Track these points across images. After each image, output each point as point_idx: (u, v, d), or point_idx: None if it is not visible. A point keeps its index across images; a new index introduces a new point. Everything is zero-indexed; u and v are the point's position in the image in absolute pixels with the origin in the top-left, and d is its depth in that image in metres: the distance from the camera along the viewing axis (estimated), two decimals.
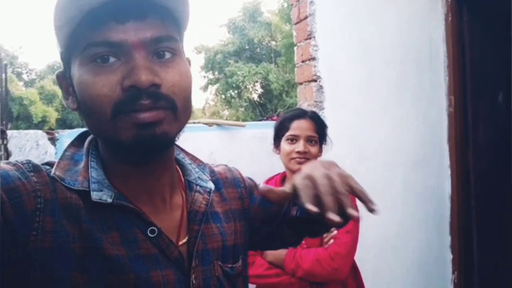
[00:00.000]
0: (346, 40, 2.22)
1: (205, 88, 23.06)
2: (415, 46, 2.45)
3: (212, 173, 0.76)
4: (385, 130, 2.33)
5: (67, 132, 1.71)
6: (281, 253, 1.47)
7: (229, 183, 0.78)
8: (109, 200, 0.58)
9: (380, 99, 2.32)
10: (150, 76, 0.55)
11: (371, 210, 0.54)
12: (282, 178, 1.66)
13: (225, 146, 1.96)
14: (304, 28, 2.19)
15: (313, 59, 2.16)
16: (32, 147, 1.64)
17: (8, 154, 1.63)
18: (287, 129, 1.58)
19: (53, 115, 23.95)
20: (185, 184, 0.70)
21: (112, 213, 0.59)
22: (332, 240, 1.48)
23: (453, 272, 2.62)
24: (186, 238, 0.65)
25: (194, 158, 0.74)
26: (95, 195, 0.58)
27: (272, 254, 1.49)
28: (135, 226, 0.60)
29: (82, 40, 0.56)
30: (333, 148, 2.14)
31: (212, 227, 0.69)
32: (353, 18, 2.24)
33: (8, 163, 0.56)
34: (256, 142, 1.74)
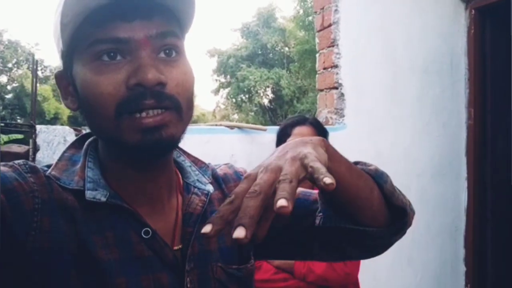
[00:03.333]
0: (370, 49, 2.24)
1: (216, 91, 23.16)
2: (438, 57, 2.46)
3: (213, 171, 0.74)
4: (405, 139, 2.34)
5: None
6: None
7: (230, 178, 0.75)
8: (103, 199, 0.57)
9: (401, 108, 2.33)
10: (156, 74, 0.54)
11: (326, 186, 0.44)
12: None
13: (245, 149, 1.98)
14: (327, 35, 2.21)
15: (335, 66, 2.18)
16: (59, 142, 1.67)
17: (36, 149, 1.67)
18: (288, 135, 1.59)
19: (65, 112, 24.17)
20: (183, 186, 0.68)
21: (107, 213, 0.58)
22: None
23: (466, 285, 2.61)
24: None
25: (196, 160, 0.72)
26: (89, 194, 0.57)
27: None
28: (130, 227, 0.59)
29: (87, 38, 0.55)
30: (353, 155, 2.15)
31: None
32: (378, 27, 2.26)
33: (5, 165, 0.56)
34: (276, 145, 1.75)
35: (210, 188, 0.69)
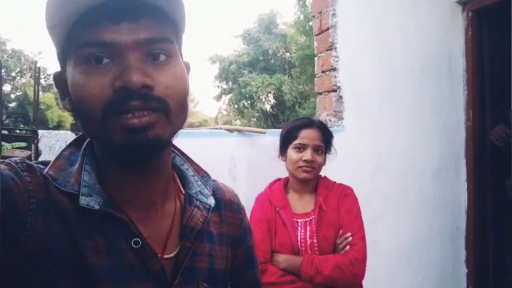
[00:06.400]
0: (367, 52, 2.25)
1: (218, 97, 23.24)
2: (436, 58, 2.47)
3: (218, 190, 0.74)
4: (404, 141, 2.35)
5: None
6: (296, 260, 1.49)
7: (231, 207, 0.75)
8: (97, 207, 0.58)
9: (399, 110, 2.34)
10: (141, 77, 0.54)
11: None
12: (285, 184, 1.69)
13: (245, 152, 1.99)
14: (325, 39, 2.23)
15: (334, 69, 2.19)
16: (61, 147, 1.69)
17: (38, 153, 1.70)
18: (295, 138, 1.60)
19: (68, 120, 24.30)
20: (185, 197, 0.68)
21: (99, 219, 0.58)
22: (348, 247, 1.50)
23: (467, 287, 2.60)
24: (175, 252, 0.64)
25: (198, 169, 0.73)
26: (83, 200, 0.57)
27: (286, 261, 1.51)
28: (121, 234, 0.59)
29: (76, 40, 0.55)
30: (353, 157, 2.17)
31: (205, 247, 0.67)
32: (375, 30, 2.28)
33: (1, 163, 0.56)
34: (275, 149, 1.77)
35: (212, 201, 0.69)
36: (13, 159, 0.58)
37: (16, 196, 0.53)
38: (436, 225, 2.47)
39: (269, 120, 21.61)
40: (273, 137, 1.96)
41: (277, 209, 1.58)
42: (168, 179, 0.66)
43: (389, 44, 2.32)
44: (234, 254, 0.74)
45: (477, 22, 2.51)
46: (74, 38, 0.56)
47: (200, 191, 0.69)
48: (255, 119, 22.34)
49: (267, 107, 21.85)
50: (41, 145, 1.68)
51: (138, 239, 0.59)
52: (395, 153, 2.32)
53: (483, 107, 2.54)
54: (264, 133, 2.06)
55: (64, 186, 0.58)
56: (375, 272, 2.11)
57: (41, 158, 1.68)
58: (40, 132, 1.70)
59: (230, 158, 1.95)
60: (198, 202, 0.67)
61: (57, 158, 0.62)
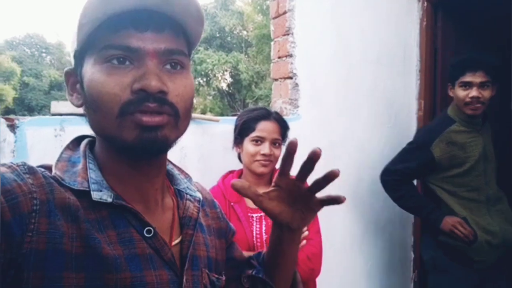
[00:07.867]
0: (324, 38, 2.19)
1: None
2: (391, 48, 2.47)
3: (204, 190, 0.83)
4: (359, 130, 2.35)
5: (28, 119, 1.58)
6: None
7: (209, 204, 0.83)
8: (109, 200, 0.61)
9: (355, 99, 2.32)
10: (159, 83, 0.59)
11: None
12: (239, 176, 1.64)
13: (196, 142, 1.89)
14: (282, 23, 2.14)
15: (290, 55, 2.12)
16: None
17: None
18: (252, 130, 1.55)
19: (10, 94, 22.86)
20: (174, 192, 0.74)
21: (108, 213, 0.61)
22: (304, 241, 1.48)
23: (413, 271, 2.70)
24: (178, 240, 0.69)
25: (181, 171, 0.79)
26: (95, 195, 0.60)
27: None
28: (131, 226, 0.62)
29: (101, 41, 0.60)
30: (308, 146, 2.13)
31: (200, 236, 0.74)
32: (332, 16, 2.22)
33: (3, 165, 0.58)
34: (229, 138, 1.69)
35: (199, 195, 0.76)
36: (14, 162, 0.60)
37: (20, 198, 0.54)
38: (385, 213, 2.52)
39: (225, 99, 21.41)
40: (227, 125, 1.87)
41: (231, 203, 1.52)
42: (164, 177, 0.72)
43: (346, 31, 2.27)
44: (229, 245, 0.84)
45: (432, 12, 2.52)
46: (98, 39, 0.61)
47: (187, 187, 0.75)
48: (211, 97, 22.06)
49: (223, 85, 21.61)
50: None
51: (151, 228, 0.63)
52: (349, 143, 2.31)
53: (434, 97, 2.59)
54: (217, 121, 1.97)
55: (73, 185, 0.61)
56: (327, 261, 2.13)
57: None
58: None
59: (180, 147, 1.85)
60: (188, 196, 0.74)
61: (58, 160, 0.65)
